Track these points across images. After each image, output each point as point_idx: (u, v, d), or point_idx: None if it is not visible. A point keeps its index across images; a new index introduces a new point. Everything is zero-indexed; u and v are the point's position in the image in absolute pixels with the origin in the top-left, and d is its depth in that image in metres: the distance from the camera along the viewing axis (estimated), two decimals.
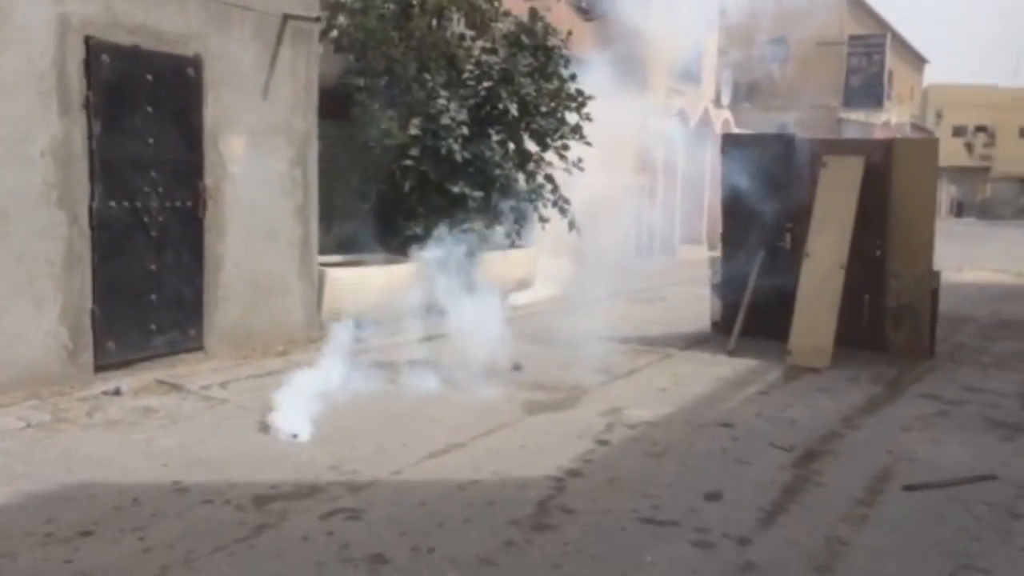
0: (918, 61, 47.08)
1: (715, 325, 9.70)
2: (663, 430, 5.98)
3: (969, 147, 67.10)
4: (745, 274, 9.29)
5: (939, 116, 64.33)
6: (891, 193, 8.55)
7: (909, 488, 4.94)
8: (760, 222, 9.30)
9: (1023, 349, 9.39)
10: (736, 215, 9.55)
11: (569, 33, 11.10)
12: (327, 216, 9.51)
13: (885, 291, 8.79)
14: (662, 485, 4.89)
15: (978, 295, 14.07)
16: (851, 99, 31.69)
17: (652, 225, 18.32)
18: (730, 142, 9.70)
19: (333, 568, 3.75)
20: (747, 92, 32.52)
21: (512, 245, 11.47)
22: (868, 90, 31.45)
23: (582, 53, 17.21)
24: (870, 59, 31.34)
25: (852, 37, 31.79)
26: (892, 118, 38.90)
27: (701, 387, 7.26)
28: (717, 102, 24.72)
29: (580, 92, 11.05)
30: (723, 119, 20.99)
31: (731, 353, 8.63)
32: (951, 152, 61.95)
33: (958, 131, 65.66)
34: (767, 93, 32.77)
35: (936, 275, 8.68)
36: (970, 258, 22.43)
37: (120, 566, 3.69)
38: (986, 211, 62.10)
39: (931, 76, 68.70)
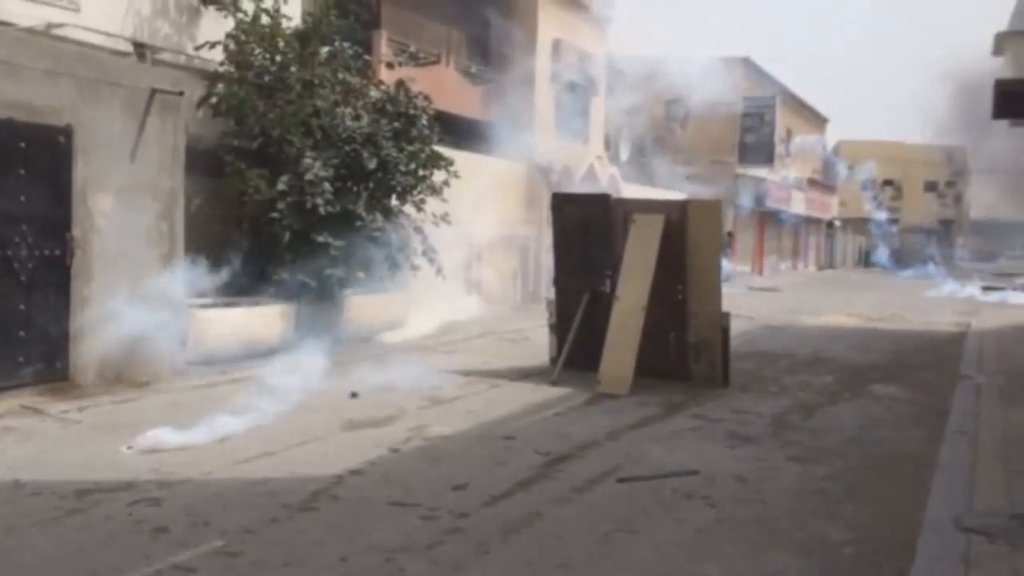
0: (819, 120, 50.05)
1: (553, 360, 10.96)
2: (452, 442, 7.17)
3: (878, 200, 70.45)
4: (574, 315, 10.62)
5: (850, 170, 67.70)
6: (687, 245, 9.99)
7: (621, 480, 6.20)
8: (585, 269, 10.67)
9: (811, 380, 10.84)
10: (566, 263, 10.91)
11: (428, 99, 12.41)
12: (203, 263, 10.58)
13: (687, 329, 10.18)
14: (423, 480, 6.05)
15: (815, 336, 15.68)
16: (745, 156, 33.91)
17: (538, 272, 19.70)
18: (558, 201, 11.08)
19: (123, 536, 4.82)
20: (652, 147, 34.54)
21: (383, 290, 12.65)
22: (760, 148, 33.73)
23: (470, 114, 18.71)
24: (762, 119, 33.67)
25: (745, 98, 34.10)
26: (790, 174, 41.44)
27: (508, 410, 8.49)
28: (613, 158, 26.47)
29: (439, 154, 12.36)
30: (609, 174, 22.63)
31: (554, 383, 9.89)
32: (860, 204, 65.38)
33: (867, 184, 68.96)
34: (670, 149, 34.80)
35: (725, 315, 10.07)
36: (844, 304, 24.12)
37: None
38: (894, 261, 65.08)
39: (845, 133, 72.21)
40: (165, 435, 6.74)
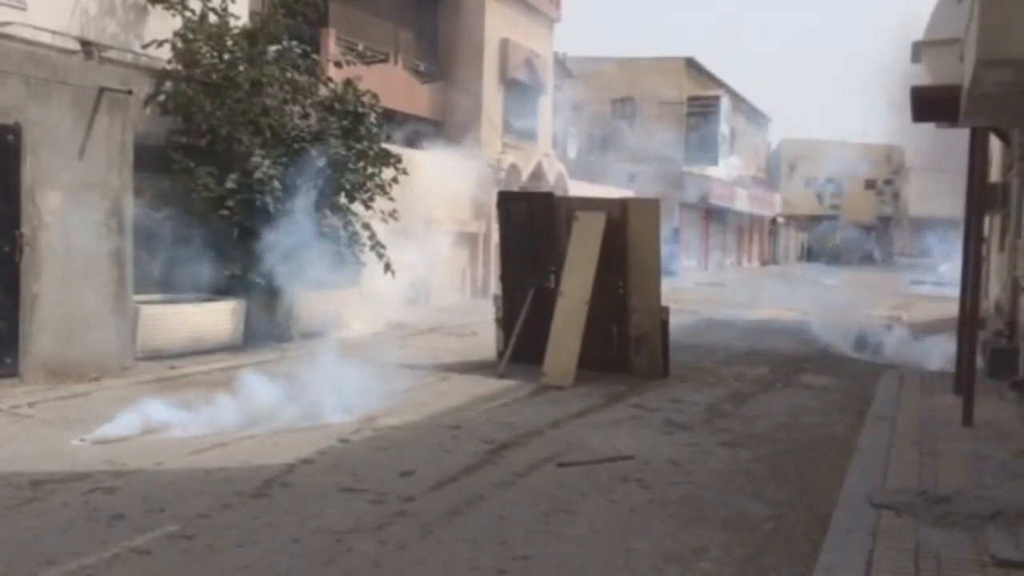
0: (762, 119, 51.17)
1: (500, 354, 11.26)
2: (401, 432, 7.43)
3: (820, 197, 72.03)
4: (520, 310, 10.93)
5: (792, 168, 69.22)
6: (628, 242, 10.37)
7: (562, 465, 6.53)
8: (530, 265, 11.00)
9: (746, 372, 11.31)
10: (512, 259, 11.22)
11: (376, 97, 12.61)
12: (154, 258, 10.65)
13: (628, 322, 10.57)
14: (372, 468, 6.31)
15: (753, 329, 16.23)
16: (690, 155, 34.61)
17: (487, 268, 20.00)
18: (504, 198, 11.39)
19: (79, 523, 5.00)
20: (600, 145, 35.06)
21: (333, 286, 12.81)
22: (705, 146, 34.44)
23: (418, 112, 18.94)
24: (706, 119, 34.39)
25: (690, 98, 34.83)
26: (734, 172, 42.36)
27: (455, 401, 8.77)
28: (562, 155, 26.87)
29: (387, 152, 12.57)
30: (557, 172, 23.00)
31: (501, 376, 10.19)
32: (803, 202, 66.95)
33: (809, 182, 70.56)
34: (618, 147, 35.39)
35: (664, 309, 10.47)
36: (784, 298, 24.75)
37: None
38: (835, 257, 66.66)
39: (788, 132, 73.50)
40: (120, 426, 6.88)
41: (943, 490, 5.84)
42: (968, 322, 8.87)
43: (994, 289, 13.76)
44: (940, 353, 11.88)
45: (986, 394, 8.74)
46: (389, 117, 13.90)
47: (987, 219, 12.60)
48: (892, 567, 4.56)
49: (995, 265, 13.95)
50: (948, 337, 12.58)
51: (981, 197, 8.91)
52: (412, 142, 17.44)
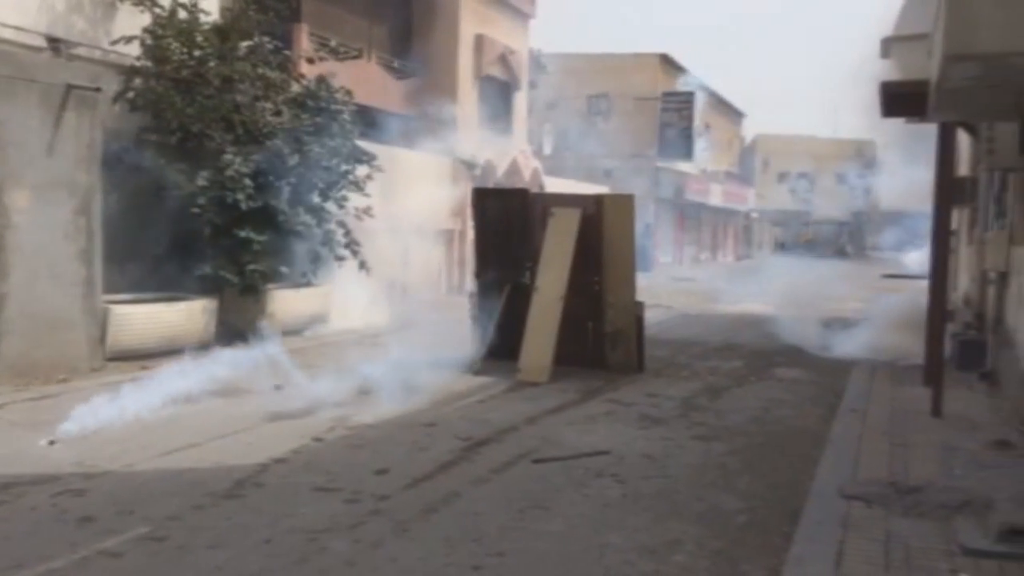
0: (736, 115, 51.49)
1: (476, 350, 11.23)
2: (375, 430, 7.40)
3: (793, 192, 72.50)
4: (496, 307, 10.92)
5: (766, 163, 69.67)
6: (603, 237, 10.39)
7: (537, 461, 6.53)
8: (506, 262, 10.99)
9: (720, 365, 11.39)
10: (487, 256, 11.20)
11: (349, 94, 12.54)
12: (123, 257, 10.53)
13: (603, 318, 10.59)
14: (346, 466, 6.28)
15: (730, 323, 16.36)
16: (664, 150, 34.75)
17: (463, 264, 19.96)
18: (479, 195, 11.37)
19: (47, 525, 4.94)
20: (575, 141, 35.09)
21: (307, 283, 12.75)
22: (679, 142, 34.59)
23: (393, 108, 18.85)
24: (680, 114, 34.54)
25: (665, 94, 34.96)
26: (708, 167, 42.59)
27: (430, 399, 8.73)
28: (538, 151, 26.88)
29: (361, 149, 12.52)
30: (532, 168, 23.01)
31: (476, 372, 10.18)
32: (776, 196, 67.47)
33: (783, 177, 71.05)
34: (593, 142, 35.44)
35: (639, 304, 10.51)
36: (757, 293, 24.88)
37: None
38: (809, 251, 66.89)
39: (763, 127, 74.16)
40: (84, 419, 6.81)
41: (913, 481, 5.91)
42: (937, 314, 8.97)
43: (963, 282, 13.94)
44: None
45: (955, 386, 8.86)
46: (363, 114, 13.82)
47: (956, 212, 12.75)
48: (862, 557, 4.60)
49: (964, 258, 14.13)
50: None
51: (949, 191, 9.01)
52: (386, 139, 17.36)
